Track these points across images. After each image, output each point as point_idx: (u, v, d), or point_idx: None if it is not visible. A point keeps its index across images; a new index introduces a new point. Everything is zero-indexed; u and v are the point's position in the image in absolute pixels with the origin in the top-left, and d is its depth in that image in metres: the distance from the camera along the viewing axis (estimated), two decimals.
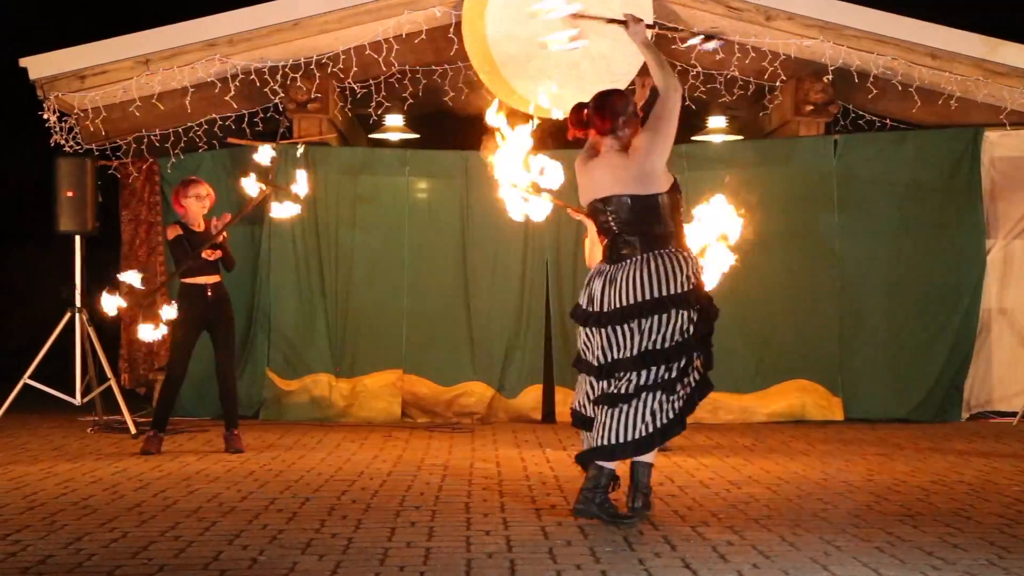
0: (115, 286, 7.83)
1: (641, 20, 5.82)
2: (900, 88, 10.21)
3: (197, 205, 8.22)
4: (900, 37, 10.01)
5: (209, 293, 8.15)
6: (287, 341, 10.39)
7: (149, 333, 7.90)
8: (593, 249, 7.49)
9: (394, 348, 10.37)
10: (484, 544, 4.90)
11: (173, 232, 8.17)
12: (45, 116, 10.09)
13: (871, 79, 10.13)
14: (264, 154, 8.13)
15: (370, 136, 12.50)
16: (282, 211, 8.34)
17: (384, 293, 10.41)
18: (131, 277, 7.94)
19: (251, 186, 8.10)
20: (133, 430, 8.87)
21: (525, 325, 10.41)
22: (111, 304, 7.67)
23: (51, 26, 16.27)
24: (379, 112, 10.69)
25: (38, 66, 10.01)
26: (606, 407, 5.40)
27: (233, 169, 10.61)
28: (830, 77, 10.18)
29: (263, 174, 8.14)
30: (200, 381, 10.51)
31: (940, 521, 5.43)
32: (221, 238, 8.15)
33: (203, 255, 8.02)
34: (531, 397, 10.39)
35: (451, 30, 9.95)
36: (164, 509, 5.75)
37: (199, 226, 8.23)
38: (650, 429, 5.36)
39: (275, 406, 10.31)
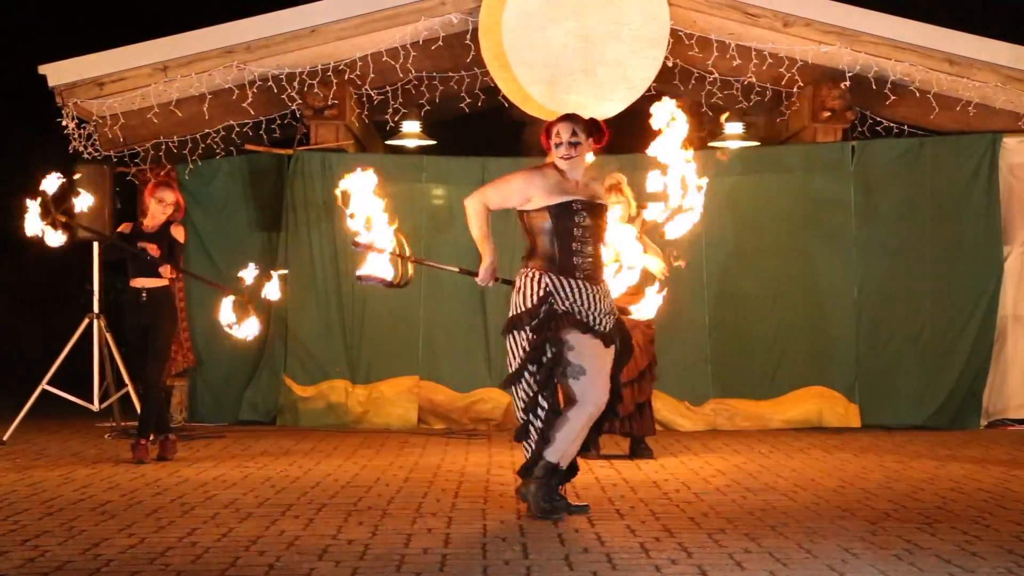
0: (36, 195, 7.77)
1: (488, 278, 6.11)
2: (918, 94, 10.19)
3: (158, 208, 8.14)
4: (918, 43, 9.98)
5: (143, 296, 8.04)
6: (304, 347, 10.41)
7: (56, 239, 7.79)
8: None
9: (410, 354, 10.39)
10: (501, 551, 4.90)
11: (124, 227, 8.18)
12: (64, 123, 10.13)
13: (889, 85, 10.11)
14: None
15: (387, 142, 12.52)
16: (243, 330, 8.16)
17: (400, 299, 10.40)
18: (49, 182, 7.73)
19: (228, 306, 8.00)
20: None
21: None
22: (33, 221, 7.66)
23: (69, 34, 16.37)
24: (396, 118, 10.72)
25: (57, 73, 10.06)
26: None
27: (250, 175, 10.67)
28: (847, 83, 10.15)
29: (243, 291, 8.04)
30: (217, 387, 10.58)
31: (958, 529, 5.41)
32: (176, 240, 8.10)
33: (148, 249, 7.90)
34: None
35: (468, 36, 9.96)
36: (181, 515, 5.76)
37: (152, 226, 8.12)
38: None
39: (292, 412, 10.33)
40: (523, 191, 5.85)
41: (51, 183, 7.74)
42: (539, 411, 5.70)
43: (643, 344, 8.08)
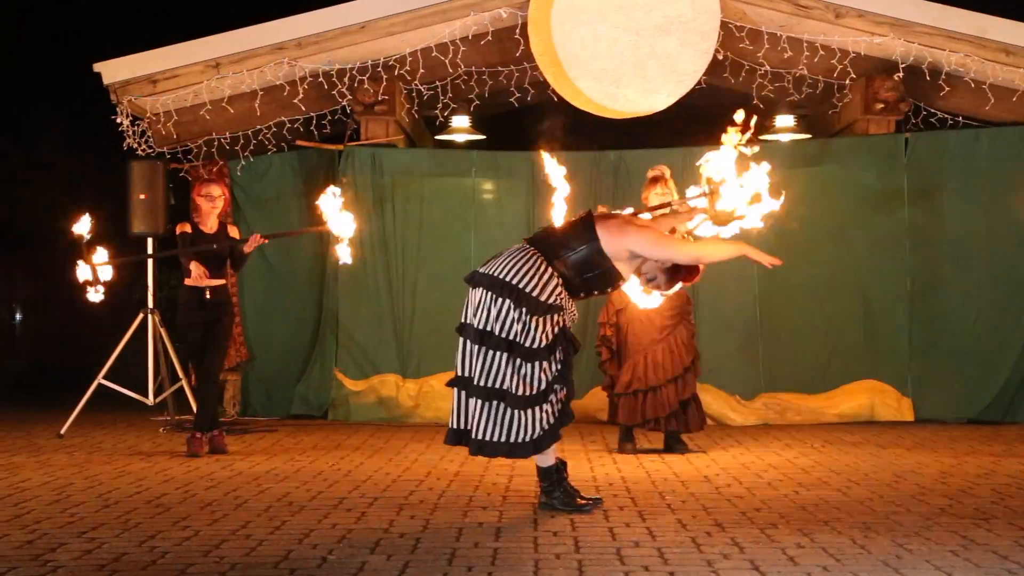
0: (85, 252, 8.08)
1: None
2: (973, 85, 10.07)
3: (207, 205, 8.20)
4: (972, 33, 9.86)
5: (208, 295, 8.11)
6: (355, 342, 10.46)
7: (92, 295, 8.08)
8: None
9: None
10: (552, 545, 4.90)
11: (180, 228, 8.22)
12: (118, 120, 10.24)
13: (943, 76, 10.00)
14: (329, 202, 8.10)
15: (436, 137, 12.56)
16: (343, 254, 8.24)
17: (450, 294, 10.38)
18: (83, 224, 8.10)
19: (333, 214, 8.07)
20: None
21: (591, 326, 10.39)
22: (84, 272, 8.02)
23: (123, 32, 16.56)
24: (445, 114, 10.73)
25: (111, 71, 10.17)
26: None
27: (301, 171, 10.75)
28: (901, 74, 10.05)
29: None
30: (269, 381, 10.67)
31: (1015, 525, 5.34)
32: (229, 236, 8.18)
33: (185, 261, 8.03)
34: (597, 398, 10.35)
35: (517, 31, 9.96)
36: (235, 508, 5.81)
37: (210, 227, 8.21)
38: None
39: (343, 406, 10.39)
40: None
41: (83, 226, 8.13)
42: (545, 411, 5.63)
43: (687, 341, 8.04)
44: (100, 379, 9.32)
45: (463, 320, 5.78)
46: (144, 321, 9.62)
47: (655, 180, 8.06)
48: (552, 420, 5.63)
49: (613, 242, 5.72)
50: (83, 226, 8.13)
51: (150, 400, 9.78)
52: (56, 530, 5.23)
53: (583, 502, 5.77)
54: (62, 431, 9.07)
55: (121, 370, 9.53)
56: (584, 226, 5.78)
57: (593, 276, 5.77)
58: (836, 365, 10.24)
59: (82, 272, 8.16)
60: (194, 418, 8.32)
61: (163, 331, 9.56)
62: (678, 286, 6.12)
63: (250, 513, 5.66)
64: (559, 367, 5.65)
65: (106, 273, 8.23)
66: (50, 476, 6.94)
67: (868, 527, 5.28)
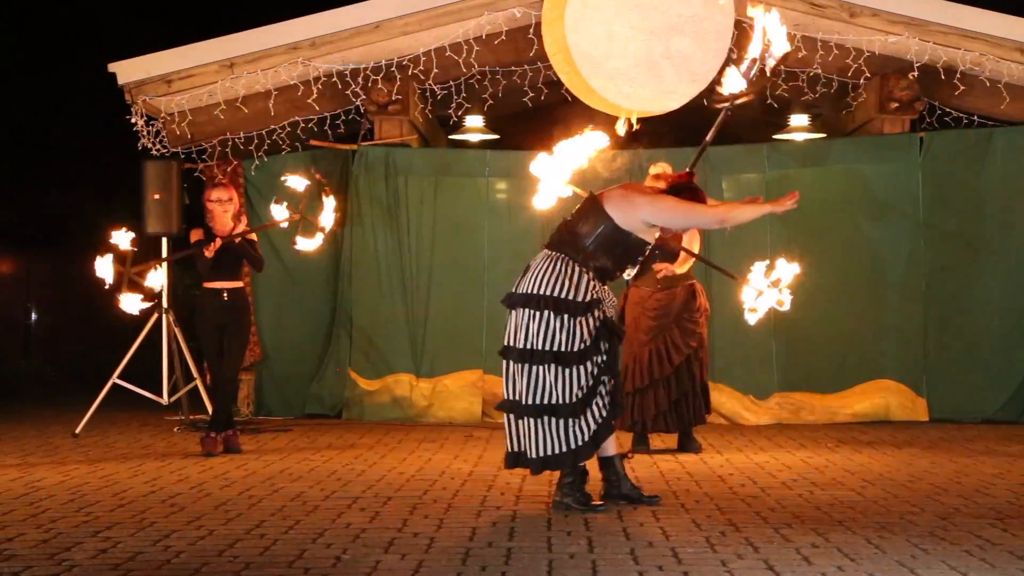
0: (108, 249, 7.99)
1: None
2: (988, 84, 10.03)
3: (219, 209, 8.19)
4: (988, 32, 9.83)
5: (225, 296, 8.12)
6: (369, 341, 10.47)
7: (132, 304, 7.96)
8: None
9: (474, 348, 10.41)
10: (566, 544, 4.90)
11: (195, 236, 8.21)
12: (132, 120, 10.26)
13: (958, 75, 9.96)
14: (297, 183, 8.26)
15: (450, 137, 12.56)
16: (306, 244, 8.36)
17: (464, 293, 10.46)
18: (120, 237, 8.01)
19: (280, 213, 8.24)
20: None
21: None
22: (105, 269, 7.84)
23: (137, 32, 16.61)
24: (459, 113, 10.75)
25: (126, 71, 10.19)
26: None
27: (315, 171, 10.75)
28: (915, 73, 10.02)
29: (294, 202, 8.23)
30: (283, 381, 10.68)
31: None
32: (247, 238, 8.19)
33: (204, 251, 7.99)
34: None
35: (531, 30, 9.96)
36: (249, 507, 5.82)
37: (224, 231, 8.22)
38: None
39: (357, 406, 10.40)
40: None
41: (122, 239, 8.04)
42: (593, 412, 5.69)
43: (678, 341, 8.01)
44: (115, 378, 9.35)
45: (505, 343, 5.80)
46: (159, 320, 9.64)
47: (657, 177, 8.06)
48: (604, 413, 5.70)
49: (626, 215, 5.77)
50: (124, 239, 8.06)
51: (164, 399, 9.81)
52: (71, 529, 5.24)
53: (598, 502, 5.77)
54: (77, 430, 9.10)
55: (135, 369, 9.55)
56: (593, 209, 5.80)
57: (621, 252, 5.82)
58: (850, 365, 10.22)
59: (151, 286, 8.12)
60: (209, 418, 8.34)
61: (177, 330, 9.58)
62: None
63: (264, 512, 5.67)
64: (604, 358, 5.69)
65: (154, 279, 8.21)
66: (65, 475, 6.96)
67: (883, 527, 5.27)
